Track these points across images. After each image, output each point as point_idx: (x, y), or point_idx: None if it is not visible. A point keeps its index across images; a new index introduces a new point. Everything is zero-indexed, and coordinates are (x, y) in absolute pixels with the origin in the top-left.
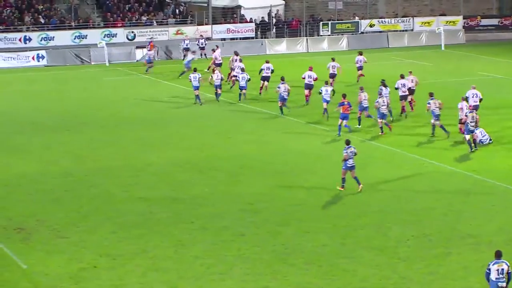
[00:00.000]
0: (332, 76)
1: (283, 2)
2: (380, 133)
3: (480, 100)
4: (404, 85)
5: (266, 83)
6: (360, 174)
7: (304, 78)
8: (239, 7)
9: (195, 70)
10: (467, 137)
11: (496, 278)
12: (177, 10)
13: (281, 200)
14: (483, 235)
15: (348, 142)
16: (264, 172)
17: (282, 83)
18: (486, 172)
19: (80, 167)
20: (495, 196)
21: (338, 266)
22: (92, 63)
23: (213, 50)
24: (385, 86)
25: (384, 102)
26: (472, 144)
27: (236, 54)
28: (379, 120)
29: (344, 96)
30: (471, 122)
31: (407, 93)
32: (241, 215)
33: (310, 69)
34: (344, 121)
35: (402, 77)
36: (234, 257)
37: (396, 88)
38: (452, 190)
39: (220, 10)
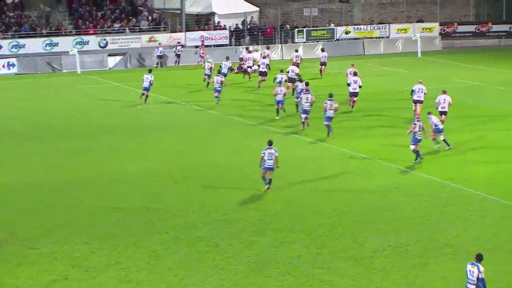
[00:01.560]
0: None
1: (258, 9)
2: (302, 128)
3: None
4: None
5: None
6: (336, 183)
7: (288, 72)
8: (213, 14)
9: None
10: (412, 147)
11: (467, 279)
12: (150, 17)
13: (257, 210)
14: (461, 245)
15: (270, 143)
16: (240, 182)
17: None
18: (463, 181)
19: (53, 176)
20: (472, 205)
21: (314, 277)
22: (64, 71)
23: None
24: (300, 81)
25: (308, 100)
26: (419, 158)
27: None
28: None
29: (306, 83)
30: (418, 131)
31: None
32: (216, 226)
33: (295, 63)
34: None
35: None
36: (208, 268)
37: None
38: (430, 199)
39: (193, 17)
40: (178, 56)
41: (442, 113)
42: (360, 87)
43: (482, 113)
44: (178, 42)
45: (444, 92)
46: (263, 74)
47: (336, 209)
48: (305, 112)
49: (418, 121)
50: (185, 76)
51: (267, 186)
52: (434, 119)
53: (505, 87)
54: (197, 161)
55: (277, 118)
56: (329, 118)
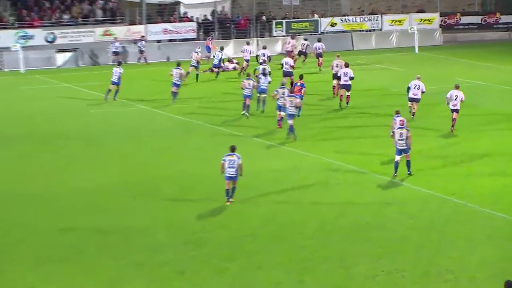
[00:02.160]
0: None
1: None
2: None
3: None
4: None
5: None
6: (319, 198)
7: (282, 64)
8: (178, 3)
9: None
10: (397, 158)
11: None
12: (105, 7)
13: (229, 230)
14: (464, 270)
15: (233, 149)
16: (210, 197)
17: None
18: (466, 196)
19: None
20: (477, 224)
21: None
22: (5, 69)
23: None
24: (301, 78)
25: (284, 94)
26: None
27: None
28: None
29: (300, 77)
30: (399, 139)
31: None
32: (182, 248)
33: (290, 55)
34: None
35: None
36: None
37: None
38: (428, 217)
39: (155, 7)
40: (141, 52)
41: (453, 111)
42: (352, 78)
43: (489, 118)
44: (142, 36)
45: (457, 87)
46: (286, 74)
47: (321, 228)
48: (290, 116)
49: (401, 127)
50: (147, 75)
51: (229, 201)
52: (399, 121)
53: None
54: (160, 173)
55: (243, 113)
56: (291, 116)
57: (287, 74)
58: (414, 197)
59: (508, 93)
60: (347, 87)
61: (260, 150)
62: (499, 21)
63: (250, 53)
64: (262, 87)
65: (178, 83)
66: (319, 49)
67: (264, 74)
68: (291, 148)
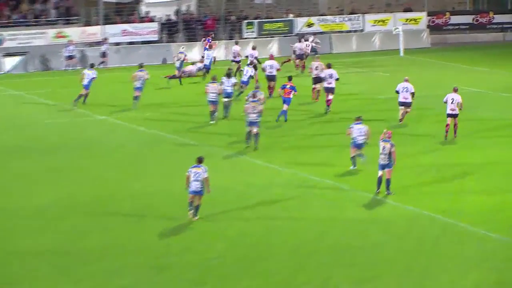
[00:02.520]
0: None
1: None
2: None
3: (412, 94)
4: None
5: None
6: (296, 217)
7: (264, 69)
8: (138, 2)
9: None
10: (380, 173)
11: None
12: (58, 6)
13: (195, 252)
14: None
15: (199, 160)
16: (175, 216)
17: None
18: (458, 214)
19: None
20: (469, 245)
21: None
22: None
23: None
24: (289, 79)
25: (255, 109)
26: (381, 188)
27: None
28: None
29: (289, 78)
30: (382, 153)
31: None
32: (144, 273)
33: (271, 57)
34: (285, 105)
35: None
36: None
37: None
38: (416, 237)
39: (113, 6)
40: (104, 55)
41: (450, 115)
42: (337, 80)
43: (483, 128)
44: (105, 39)
45: (455, 90)
46: (270, 78)
47: (298, 249)
48: (252, 124)
49: (386, 140)
50: (108, 82)
51: (191, 213)
52: (356, 130)
53: (511, 93)
54: (120, 190)
55: (211, 123)
56: (253, 123)
57: (271, 78)
58: (400, 216)
59: (504, 101)
60: (332, 90)
61: (229, 163)
62: (493, 21)
63: (239, 54)
64: (227, 91)
65: (140, 86)
66: (301, 50)
67: (228, 75)
68: (264, 161)
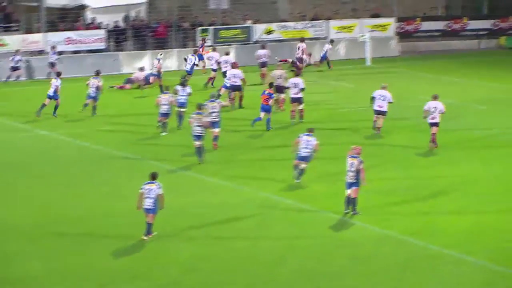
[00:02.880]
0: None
1: (146, 0)
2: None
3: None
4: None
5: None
6: (253, 241)
7: (229, 79)
8: (83, 7)
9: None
10: (348, 192)
11: None
12: None
13: (145, 279)
14: None
15: (153, 176)
16: (122, 239)
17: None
18: (430, 236)
19: None
20: (442, 269)
21: None
22: None
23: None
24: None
25: (214, 108)
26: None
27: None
28: (210, 130)
29: (270, 85)
30: (349, 170)
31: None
32: None
33: (235, 65)
34: (264, 113)
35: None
36: None
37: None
38: (384, 262)
39: (57, 12)
40: (53, 66)
41: (432, 124)
42: (302, 90)
43: (457, 143)
44: (53, 47)
45: (435, 98)
46: (234, 88)
47: (256, 277)
48: (198, 138)
49: (354, 156)
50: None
51: (144, 234)
52: (303, 142)
53: (487, 105)
54: (63, 212)
55: (163, 134)
56: (198, 137)
57: (235, 88)
58: (367, 238)
59: (479, 114)
60: (299, 100)
61: (183, 182)
62: (467, 28)
63: (216, 61)
64: (180, 101)
65: (93, 95)
66: (264, 57)
67: (182, 84)
68: (220, 179)
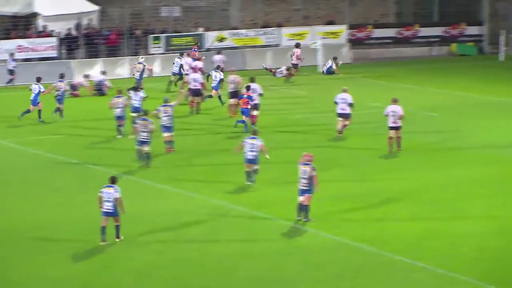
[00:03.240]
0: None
1: (98, 8)
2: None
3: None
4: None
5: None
6: (208, 247)
7: (189, 83)
8: (35, 15)
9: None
10: (300, 199)
11: None
12: None
13: (98, 286)
14: None
15: (112, 180)
16: (74, 247)
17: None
18: (382, 242)
19: None
20: (394, 276)
21: None
22: None
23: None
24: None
25: (166, 112)
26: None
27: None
28: (164, 135)
29: (247, 88)
30: (302, 178)
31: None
32: None
33: (195, 70)
34: (243, 116)
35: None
36: None
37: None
38: (337, 268)
39: (8, 20)
40: (11, 72)
41: (392, 128)
42: (260, 95)
43: (409, 150)
44: (11, 54)
45: (395, 102)
46: (194, 93)
47: (207, 284)
48: (142, 143)
49: (306, 164)
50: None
51: (103, 237)
52: (248, 145)
53: (438, 112)
54: (15, 220)
55: (118, 137)
56: (143, 143)
57: (195, 92)
58: (320, 245)
59: (431, 121)
60: (256, 107)
61: (134, 188)
62: (418, 35)
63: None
64: (134, 105)
65: (59, 98)
66: (219, 62)
67: (135, 89)
68: (173, 186)
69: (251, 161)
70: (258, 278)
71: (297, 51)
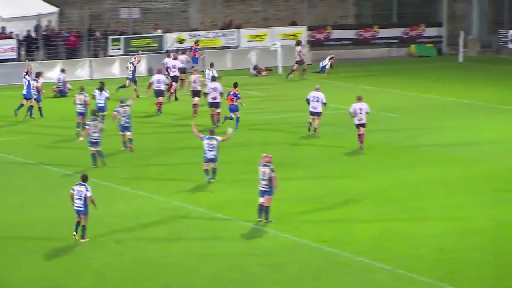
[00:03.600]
0: None
1: (57, 9)
2: (123, 148)
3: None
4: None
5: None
6: (168, 249)
7: (152, 83)
8: None
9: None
10: (261, 200)
11: None
12: None
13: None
14: None
15: (83, 178)
16: (35, 248)
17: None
18: (341, 243)
19: None
20: (354, 276)
21: None
22: None
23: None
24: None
25: (125, 113)
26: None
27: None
28: (121, 134)
29: (235, 85)
30: (261, 179)
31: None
32: None
33: (159, 71)
34: (232, 113)
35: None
36: None
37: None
38: (297, 269)
39: None
40: None
41: (359, 126)
42: (221, 94)
43: (367, 151)
44: None
45: (360, 99)
46: (158, 93)
47: (168, 285)
48: (94, 144)
49: (265, 165)
50: None
51: (74, 234)
52: (206, 145)
53: (398, 113)
54: None
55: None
56: (94, 143)
57: (158, 93)
58: (280, 246)
59: (393, 122)
60: (217, 105)
61: (96, 190)
62: (377, 36)
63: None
64: (99, 105)
65: (25, 93)
66: (183, 63)
67: (100, 89)
68: (133, 188)
69: (211, 160)
70: (219, 279)
71: (298, 48)
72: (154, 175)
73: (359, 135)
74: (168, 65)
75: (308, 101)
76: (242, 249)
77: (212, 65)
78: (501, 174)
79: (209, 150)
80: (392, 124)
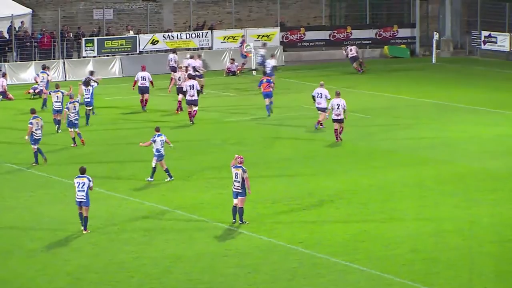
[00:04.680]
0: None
1: (30, 10)
2: (72, 145)
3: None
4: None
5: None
6: (142, 250)
7: (137, 80)
8: None
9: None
10: (235, 201)
11: None
12: None
13: None
14: None
15: (82, 171)
16: (9, 249)
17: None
18: (316, 244)
19: None
20: (329, 277)
21: None
22: None
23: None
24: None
25: (75, 109)
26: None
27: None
28: (70, 130)
29: (264, 73)
30: (234, 181)
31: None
32: None
33: (143, 68)
34: (267, 99)
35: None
36: None
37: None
38: (271, 270)
39: None
40: None
41: (336, 121)
42: (201, 92)
43: (342, 152)
44: None
45: (338, 94)
46: (143, 91)
47: (143, 285)
48: (37, 141)
49: (237, 166)
50: None
51: (82, 229)
52: (159, 142)
53: (371, 114)
54: None
55: (58, 132)
56: (36, 141)
57: (143, 90)
58: (254, 247)
59: (366, 123)
60: (195, 103)
61: (68, 191)
62: (351, 37)
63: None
64: (86, 100)
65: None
66: (172, 61)
67: (86, 84)
68: (107, 189)
69: (161, 157)
70: (193, 280)
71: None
72: (128, 175)
73: (335, 129)
74: (193, 65)
75: (313, 97)
76: (217, 250)
77: (272, 55)
78: (474, 174)
79: (162, 147)
80: (365, 125)
